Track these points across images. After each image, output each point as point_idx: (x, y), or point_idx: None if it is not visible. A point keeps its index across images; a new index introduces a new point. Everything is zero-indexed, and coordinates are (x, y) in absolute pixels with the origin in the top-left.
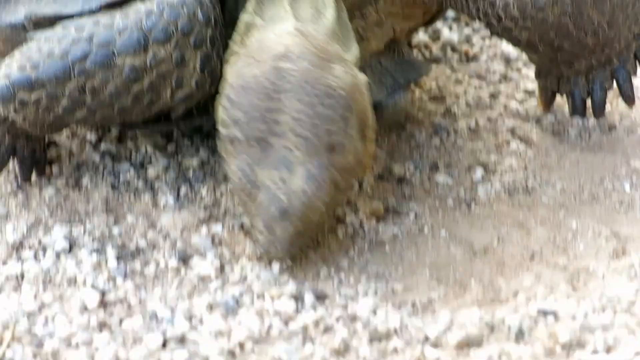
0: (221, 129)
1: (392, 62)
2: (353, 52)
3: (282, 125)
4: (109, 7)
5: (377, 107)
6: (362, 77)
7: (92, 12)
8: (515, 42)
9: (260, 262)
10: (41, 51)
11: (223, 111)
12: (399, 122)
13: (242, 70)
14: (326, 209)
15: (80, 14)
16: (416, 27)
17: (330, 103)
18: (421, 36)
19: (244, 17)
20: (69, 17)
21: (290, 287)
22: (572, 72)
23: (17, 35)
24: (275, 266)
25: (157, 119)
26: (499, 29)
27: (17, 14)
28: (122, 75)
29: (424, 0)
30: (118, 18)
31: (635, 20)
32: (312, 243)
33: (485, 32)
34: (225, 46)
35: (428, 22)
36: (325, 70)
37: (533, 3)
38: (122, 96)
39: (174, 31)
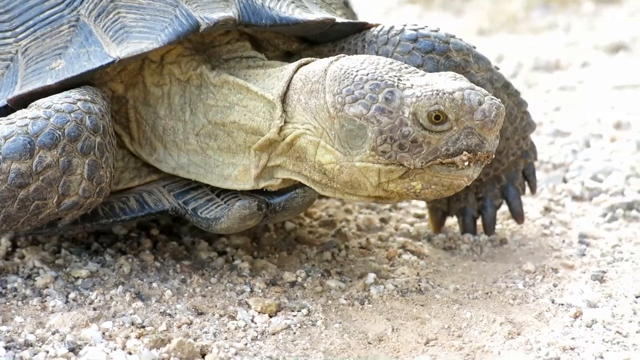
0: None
1: None
2: None
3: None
4: None
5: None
6: None
7: None
8: None
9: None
10: None
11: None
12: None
13: (340, 65)
14: None
15: None
16: None
17: None
18: None
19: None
20: None
21: None
22: (462, 190)
23: None
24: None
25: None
26: None
27: None
28: (7, 181)
29: None
30: (3, 124)
31: (523, 136)
32: None
33: None
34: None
35: None
36: None
37: None
38: (7, 202)
39: (61, 136)
